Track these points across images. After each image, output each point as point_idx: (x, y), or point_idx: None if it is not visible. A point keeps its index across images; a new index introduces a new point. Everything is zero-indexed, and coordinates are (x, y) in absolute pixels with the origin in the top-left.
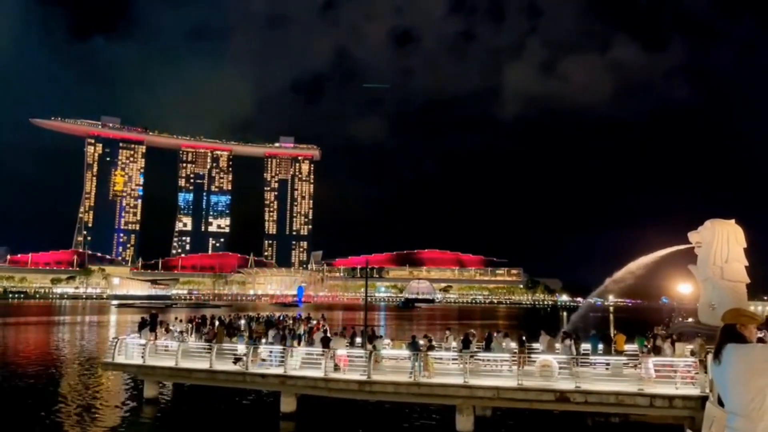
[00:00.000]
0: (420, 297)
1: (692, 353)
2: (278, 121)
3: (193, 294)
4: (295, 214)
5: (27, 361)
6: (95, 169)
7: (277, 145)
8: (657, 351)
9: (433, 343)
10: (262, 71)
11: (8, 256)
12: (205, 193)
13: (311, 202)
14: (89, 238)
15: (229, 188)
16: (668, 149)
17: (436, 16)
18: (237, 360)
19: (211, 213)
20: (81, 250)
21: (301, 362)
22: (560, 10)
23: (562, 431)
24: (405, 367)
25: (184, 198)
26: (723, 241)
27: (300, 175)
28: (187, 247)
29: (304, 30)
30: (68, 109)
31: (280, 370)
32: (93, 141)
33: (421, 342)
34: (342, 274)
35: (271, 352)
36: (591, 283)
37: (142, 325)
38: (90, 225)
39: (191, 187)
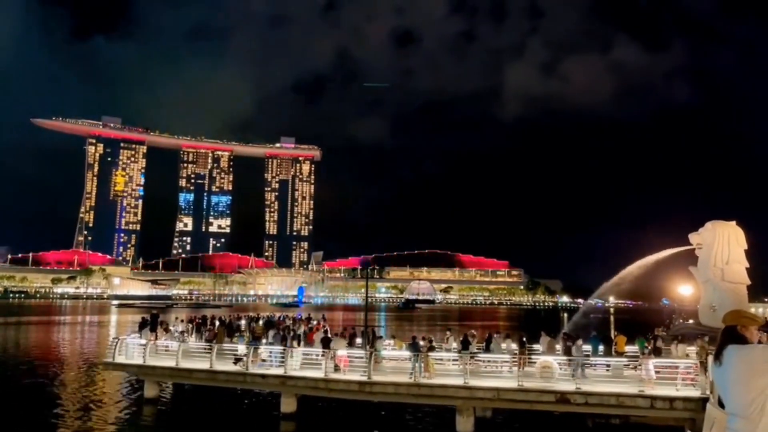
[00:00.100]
0: (420, 298)
1: (697, 354)
2: (279, 121)
3: (194, 294)
4: (295, 215)
5: (27, 361)
6: (96, 169)
7: (277, 145)
8: (657, 352)
9: (434, 343)
10: (263, 71)
11: (9, 256)
12: (205, 194)
13: (312, 202)
14: (90, 238)
15: (230, 188)
16: (669, 150)
17: (437, 16)
18: (237, 360)
19: (211, 213)
20: (82, 250)
21: (301, 363)
22: (561, 10)
23: None
24: (405, 368)
25: (184, 198)
26: (724, 243)
27: (301, 176)
28: (188, 247)
29: (305, 30)
30: (69, 109)
31: (280, 371)
32: (94, 141)
33: (422, 343)
34: (342, 275)
35: (271, 352)
36: (592, 283)
37: (142, 325)
38: (91, 225)
39: (192, 188)
